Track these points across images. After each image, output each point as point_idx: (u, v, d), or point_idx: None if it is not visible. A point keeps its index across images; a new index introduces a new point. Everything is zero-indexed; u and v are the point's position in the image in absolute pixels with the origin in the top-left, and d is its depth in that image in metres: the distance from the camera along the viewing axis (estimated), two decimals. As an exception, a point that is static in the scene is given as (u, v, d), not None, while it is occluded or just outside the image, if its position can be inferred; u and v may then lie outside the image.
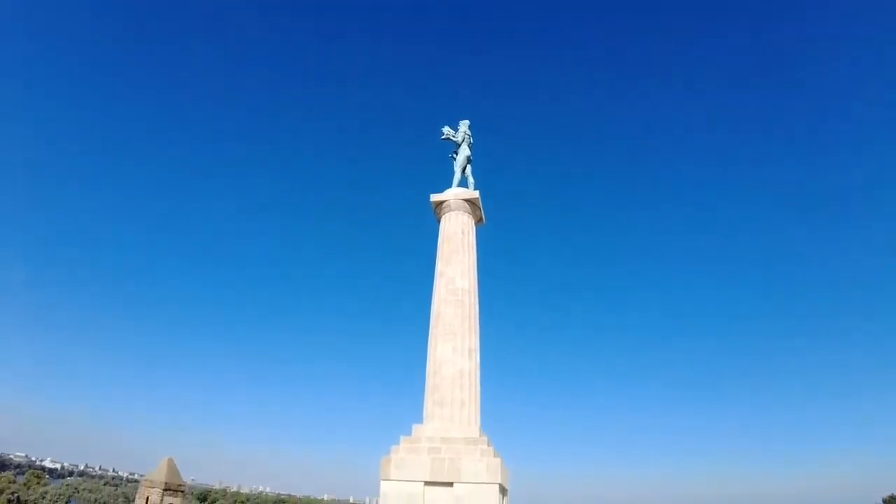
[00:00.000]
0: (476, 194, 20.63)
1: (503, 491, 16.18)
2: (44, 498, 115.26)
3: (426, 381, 18.03)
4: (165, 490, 27.52)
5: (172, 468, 28.54)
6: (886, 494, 48.24)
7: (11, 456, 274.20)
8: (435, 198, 20.84)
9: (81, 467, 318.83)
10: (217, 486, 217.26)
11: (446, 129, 22.05)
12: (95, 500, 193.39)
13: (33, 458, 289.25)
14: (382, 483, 15.95)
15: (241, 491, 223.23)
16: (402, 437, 17.05)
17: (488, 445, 16.39)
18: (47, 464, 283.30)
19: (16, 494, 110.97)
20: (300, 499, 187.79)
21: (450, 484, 15.54)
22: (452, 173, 21.51)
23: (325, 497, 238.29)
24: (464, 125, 22.18)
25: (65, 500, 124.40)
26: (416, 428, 17.30)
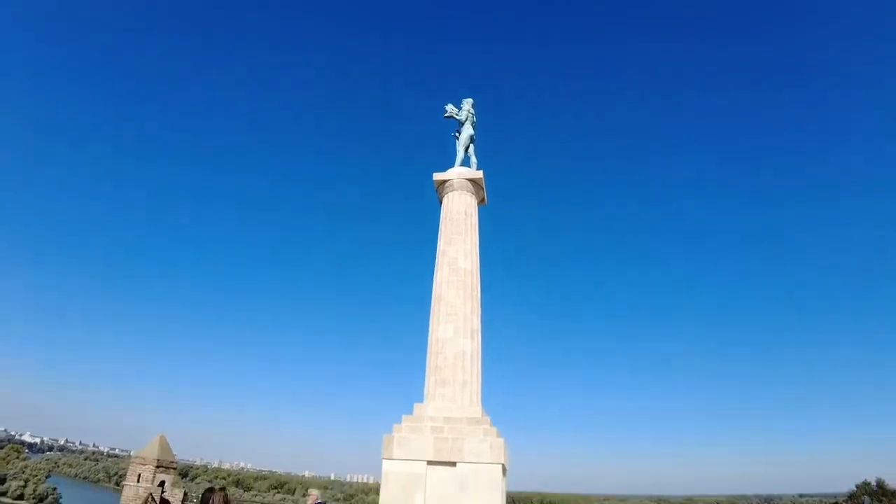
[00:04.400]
0: (479, 174, 20.42)
1: (504, 471, 16.36)
2: (24, 472, 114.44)
3: (427, 361, 18.01)
4: (158, 467, 27.33)
5: (164, 445, 28.29)
6: (860, 481, 49.99)
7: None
8: (437, 177, 20.58)
9: (61, 442, 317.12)
10: (198, 463, 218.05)
11: (449, 107, 21.69)
12: (76, 475, 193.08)
13: (12, 433, 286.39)
14: (384, 462, 15.95)
15: (223, 467, 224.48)
16: (403, 416, 17.05)
17: (491, 426, 16.48)
18: (26, 438, 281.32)
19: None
20: (281, 475, 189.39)
21: (453, 464, 15.64)
22: (455, 152, 21.27)
23: (306, 473, 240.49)
24: (467, 103, 21.82)
25: (45, 474, 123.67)
26: (417, 407, 17.32)
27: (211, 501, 7.97)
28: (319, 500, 10.91)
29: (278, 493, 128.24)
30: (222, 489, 8.46)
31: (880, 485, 48.55)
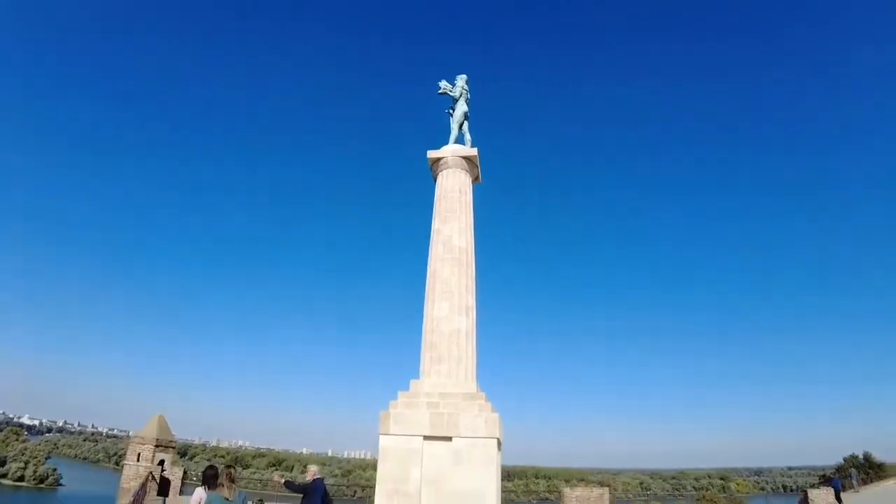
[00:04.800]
0: (474, 152, 20.38)
1: (499, 444, 16.64)
2: (23, 454, 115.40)
3: (423, 338, 18.18)
4: (157, 446, 27.61)
5: (163, 425, 28.58)
6: (848, 454, 51.14)
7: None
8: (432, 154, 20.53)
9: (60, 424, 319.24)
10: (197, 442, 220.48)
11: (443, 84, 21.53)
12: (76, 456, 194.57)
13: (10, 415, 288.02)
14: (381, 437, 16.21)
15: (221, 445, 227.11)
16: (399, 393, 17.26)
17: (486, 401, 16.72)
18: (25, 420, 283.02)
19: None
20: (279, 452, 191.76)
21: (448, 438, 15.89)
22: (449, 130, 21.19)
23: (304, 450, 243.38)
24: (461, 80, 21.66)
25: (45, 455, 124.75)
26: (413, 383, 17.54)
27: (221, 476, 8.08)
28: (318, 476, 11.05)
29: (276, 470, 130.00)
30: (229, 466, 8.57)
31: (867, 458, 49.74)
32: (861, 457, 50.06)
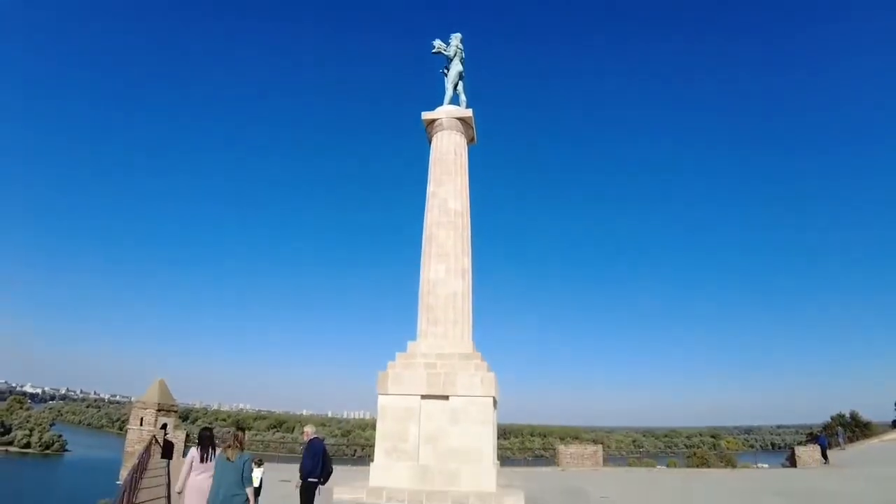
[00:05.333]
0: (469, 113, 20.06)
1: (495, 403, 16.95)
2: (28, 422, 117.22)
3: (420, 301, 18.30)
4: (159, 410, 28.08)
5: (164, 389, 29.01)
6: (835, 413, 52.29)
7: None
8: (426, 116, 20.21)
9: (62, 392, 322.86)
10: (198, 406, 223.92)
11: (437, 43, 21.01)
12: (80, 422, 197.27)
13: (13, 385, 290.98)
14: (380, 397, 16.48)
15: (222, 409, 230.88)
16: (397, 354, 17.48)
17: (482, 361, 16.97)
18: (28, 389, 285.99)
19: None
20: (280, 414, 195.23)
21: (445, 397, 16.17)
22: (444, 90, 20.80)
23: (304, 412, 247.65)
24: (455, 38, 21.12)
25: (49, 422, 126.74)
26: (411, 345, 17.74)
27: (230, 438, 8.23)
28: (314, 436, 11.20)
29: (277, 431, 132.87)
30: (240, 429, 8.66)
31: (854, 417, 50.91)
32: (848, 416, 51.24)
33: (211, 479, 8.94)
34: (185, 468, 9.16)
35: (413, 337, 18.10)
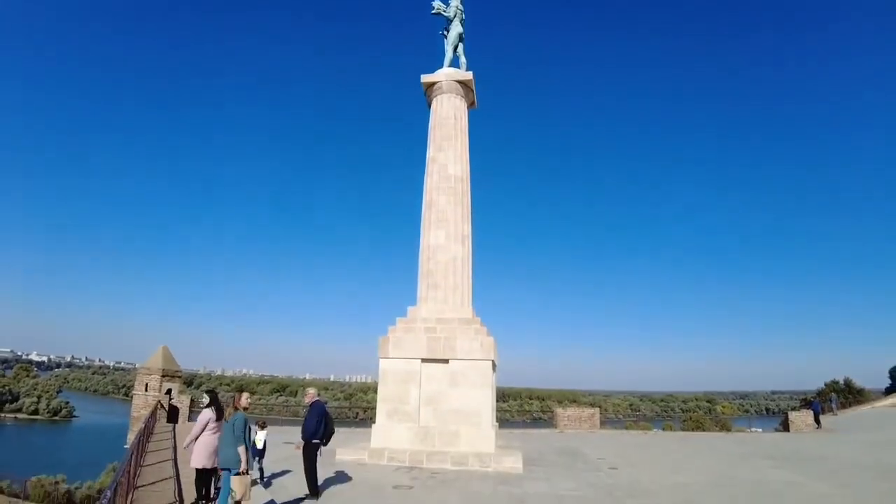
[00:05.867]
0: (469, 75, 19.71)
1: (494, 367, 17.18)
2: (35, 389, 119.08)
3: (419, 267, 18.35)
4: (163, 376, 28.46)
5: (167, 355, 29.35)
6: (829, 380, 52.98)
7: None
8: (426, 79, 19.86)
9: (68, 359, 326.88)
10: (202, 371, 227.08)
11: (436, 4, 20.48)
12: (86, 389, 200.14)
13: (19, 353, 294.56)
14: (381, 361, 16.71)
15: (226, 374, 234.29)
16: (398, 319, 17.63)
17: (481, 325, 17.13)
18: (33, 357, 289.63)
19: (7, 387, 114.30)
20: (283, 379, 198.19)
21: (445, 361, 16.38)
22: (444, 53, 20.37)
23: (307, 376, 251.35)
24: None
25: (56, 389, 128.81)
26: (411, 310, 17.88)
27: (235, 400, 8.51)
28: (316, 398, 11.36)
29: (280, 395, 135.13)
30: (241, 391, 8.94)
31: (848, 383, 51.67)
32: (842, 382, 51.99)
33: (216, 438, 9.21)
34: (197, 427, 9.41)
35: (413, 302, 18.23)
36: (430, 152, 19.14)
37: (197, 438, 9.30)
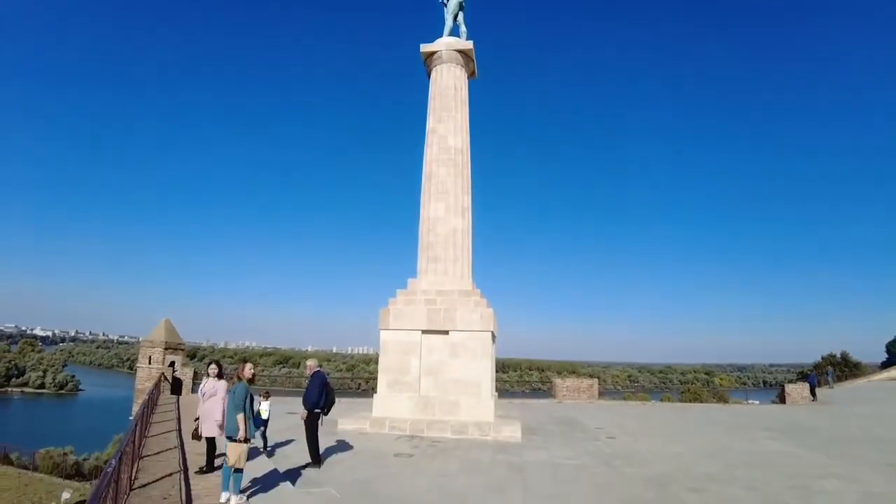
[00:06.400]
0: (470, 45, 19.37)
1: (493, 338, 17.30)
2: (41, 363, 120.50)
3: (420, 239, 18.33)
4: (166, 349, 28.69)
5: (170, 328, 29.53)
6: (826, 353, 53.41)
7: (1, 327, 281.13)
8: (425, 48, 19.53)
9: (72, 333, 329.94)
10: (205, 344, 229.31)
11: None
12: (90, 362, 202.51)
13: (23, 328, 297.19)
14: (382, 332, 16.84)
15: (229, 347, 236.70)
16: (398, 291, 17.69)
17: (481, 297, 17.21)
18: (38, 332, 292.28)
19: (13, 362, 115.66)
20: (285, 351, 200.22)
21: (445, 332, 16.51)
22: (444, 22, 19.98)
23: (309, 348, 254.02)
24: None
25: (61, 363, 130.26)
26: (411, 282, 17.93)
27: (239, 371, 8.63)
28: (316, 369, 11.46)
29: (283, 367, 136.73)
30: (244, 361, 9.03)
31: (844, 357, 52.12)
32: (839, 356, 52.42)
33: (219, 405, 9.35)
34: (203, 398, 9.59)
35: (414, 274, 18.27)
36: (430, 123, 18.94)
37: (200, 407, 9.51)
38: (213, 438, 9.39)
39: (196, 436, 9.57)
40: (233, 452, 7.67)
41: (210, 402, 9.48)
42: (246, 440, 7.98)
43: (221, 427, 8.92)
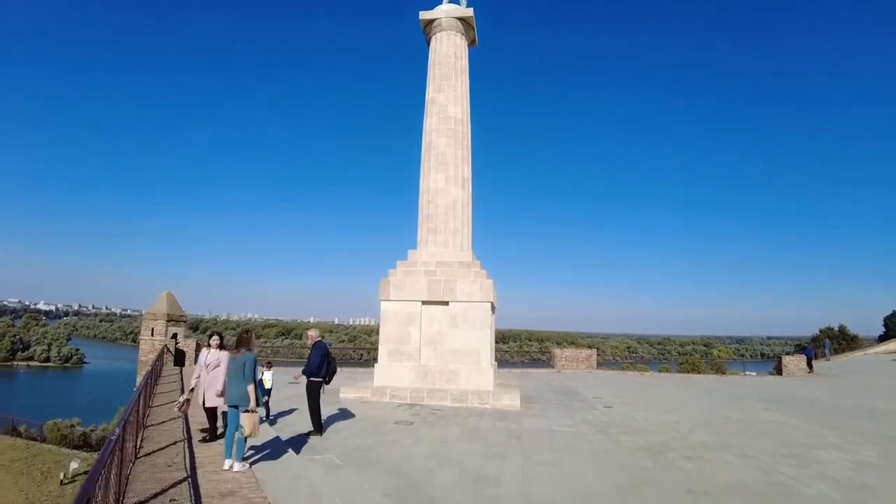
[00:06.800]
0: (470, 12, 18.94)
1: (493, 309, 17.38)
2: (45, 337, 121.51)
3: (419, 211, 18.26)
4: (168, 321, 28.91)
5: (172, 300, 29.71)
6: (824, 326, 53.69)
7: (5, 302, 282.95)
8: (424, 15, 19.11)
9: (75, 308, 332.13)
10: (208, 316, 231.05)
11: None
12: (94, 336, 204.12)
13: (27, 303, 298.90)
14: (382, 303, 16.92)
15: (231, 319, 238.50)
16: (398, 262, 17.70)
17: (480, 268, 17.23)
18: (41, 307, 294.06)
19: (18, 336, 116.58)
20: (287, 322, 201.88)
21: (445, 303, 16.58)
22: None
23: (311, 319, 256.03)
24: None
25: (66, 337, 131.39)
26: (411, 253, 17.93)
27: (247, 338, 8.60)
28: (318, 339, 11.51)
29: (286, 338, 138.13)
30: (247, 332, 9.01)
31: (842, 330, 52.43)
32: (836, 329, 52.74)
33: (221, 375, 9.43)
34: (197, 368, 9.69)
35: (414, 245, 18.25)
36: (430, 93, 18.67)
37: (199, 377, 9.63)
38: (215, 408, 9.51)
39: (184, 409, 9.72)
40: (248, 422, 7.75)
41: (213, 373, 9.60)
42: (254, 410, 8.07)
43: (222, 396, 9.03)
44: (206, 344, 10.57)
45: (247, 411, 7.90)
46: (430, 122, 18.35)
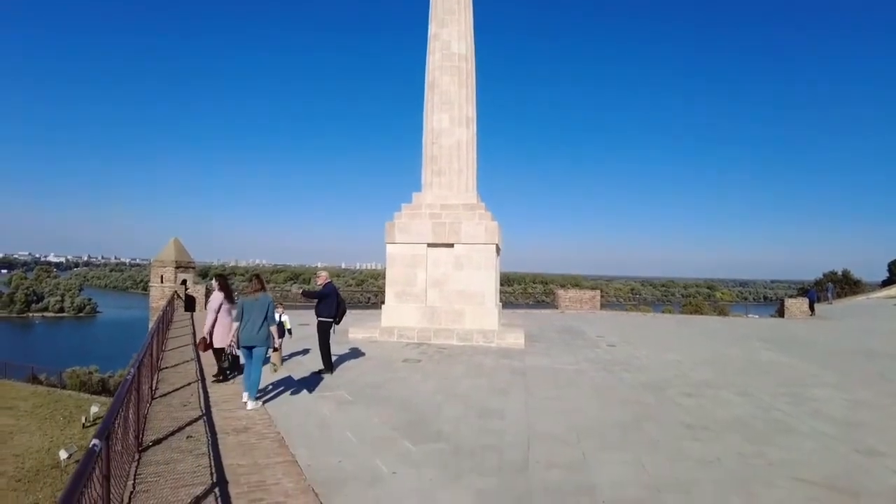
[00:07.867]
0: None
1: (498, 251, 17.40)
2: (57, 288, 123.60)
3: (423, 152, 17.97)
4: (177, 268, 29.20)
5: (180, 247, 29.89)
6: (828, 270, 53.62)
7: (16, 256, 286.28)
8: (425, -55, 18.18)
9: (85, 258, 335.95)
10: (216, 263, 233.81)
11: None
12: (105, 285, 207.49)
13: (37, 255, 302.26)
14: (388, 246, 16.98)
15: (240, 265, 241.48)
16: (403, 205, 17.61)
17: (485, 210, 17.13)
18: (52, 259, 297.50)
19: (31, 288, 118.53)
20: (296, 267, 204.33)
21: (450, 245, 16.61)
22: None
23: (319, 264, 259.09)
24: None
25: (78, 287, 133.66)
26: (416, 196, 17.81)
27: (255, 281, 8.66)
28: (328, 280, 11.59)
29: (294, 283, 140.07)
30: (256, 276, 9.04)
31: (846, 275, 52.48)
32: (840, 273, 52.75)
33: (227, 317, 9.60)
34: (210, 313, 9.81)
35: (419, 188, 18.10)
36: (432, 28, 17.96)
37: (215, 321, 9.78)
38: (223, 349, 9.74)
39: (206, 346, 9.90)
40: (277, 359, 8.55)
41: (221, 315, 9.79)
42: (276, 348, 8.52)
43: (231, 337, 9.22)
44: (212, 287, 10.72)
45: (275, 349, 8.46)
46: (433, 60, 17.76)
